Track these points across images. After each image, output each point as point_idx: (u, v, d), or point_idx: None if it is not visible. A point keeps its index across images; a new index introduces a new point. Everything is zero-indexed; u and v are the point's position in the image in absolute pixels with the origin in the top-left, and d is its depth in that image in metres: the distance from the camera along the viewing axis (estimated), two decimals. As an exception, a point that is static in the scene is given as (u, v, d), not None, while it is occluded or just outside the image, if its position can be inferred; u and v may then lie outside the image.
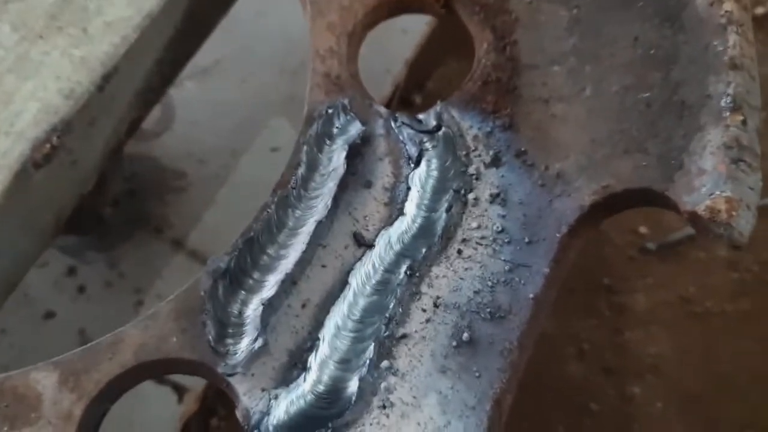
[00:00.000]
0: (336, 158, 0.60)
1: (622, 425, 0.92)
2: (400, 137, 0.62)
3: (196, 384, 0.79)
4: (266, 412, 0.53)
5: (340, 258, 0.58)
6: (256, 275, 0.56)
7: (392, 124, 0.62)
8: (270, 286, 0.56)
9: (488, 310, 0.56)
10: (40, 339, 0.79)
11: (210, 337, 0.54)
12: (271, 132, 0.89)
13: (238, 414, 0.54)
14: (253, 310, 0.55)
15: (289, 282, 0.56)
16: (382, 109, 0.63)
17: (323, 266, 0.58)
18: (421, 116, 0.63)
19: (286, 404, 0.53)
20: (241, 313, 0.55)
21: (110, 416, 0.78)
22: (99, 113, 0.67)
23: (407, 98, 1.01)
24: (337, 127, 0.61)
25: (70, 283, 0.84)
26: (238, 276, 0.56)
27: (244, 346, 0.54)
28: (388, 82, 0.93)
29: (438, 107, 0.63)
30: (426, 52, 0.99)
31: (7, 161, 0.62)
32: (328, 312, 0.56)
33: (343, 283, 0.57)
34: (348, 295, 0.57)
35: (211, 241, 0.84)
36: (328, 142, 0.60)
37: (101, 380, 0.53)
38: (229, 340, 0.54)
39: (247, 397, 0.53)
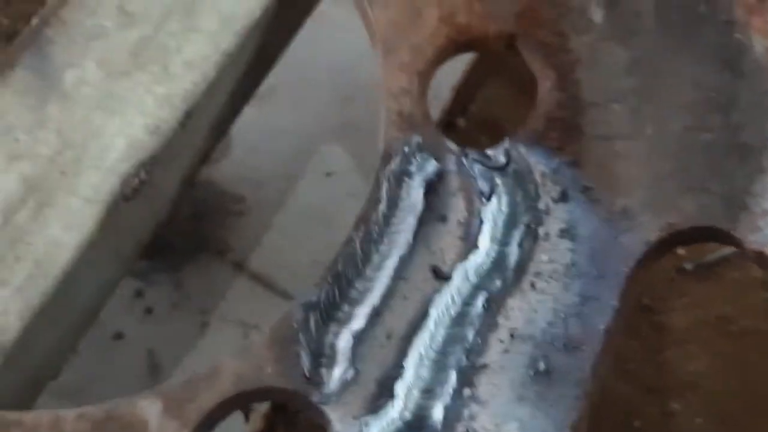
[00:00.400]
0: (415, 195, 0.63)
1: (663, 440, 0.95)
2: (472, 173, 0.65)
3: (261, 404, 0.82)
4: (358, 438, 0.57)
5: (420, 290, 0.62)
6: (345, 308, 0.59)
7: (464, 160, 0.66)
8: (359, 318, 0.59)
9: (562, 341, 0.59)
10: (110, 359, 0.82)
11: (305, 368, 0.57)
12: (325, 157, 0.92)
13: (328, 441, 0.57)
14: (344, 341, 0.58)
15: (375, 314, 0.60)
16: (453, 146, 0.66)
17: (405, 298, 0.61)
18: (490, 152, 0.67)
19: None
20: (333, 345, 0.58)
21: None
22: (180, 148, 0.71)
23: (451, 121, 1.05)
24: (414, 166, 0.64)
25: (138, 304, 0.87)
26: (328, 309, 0.59)
27: (336, 376, 0.57)
28: (436, 107, 0.96)
29: (506, 144, 0.66)
30: (470, 76, 1.03)
31: (100, 196, 0.66)
32: (411, 342, 0.60)
33: (424, 315, 0.61)
34: (429, 325, 0.60)
35: (271, 263, 0.88)
36: (406, 179, 0.64)
37: (203, 408, 0.56)
38: (323, 370, 0.57)
39: (340, 425, 0.57)
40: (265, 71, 0.81)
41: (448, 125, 1.06)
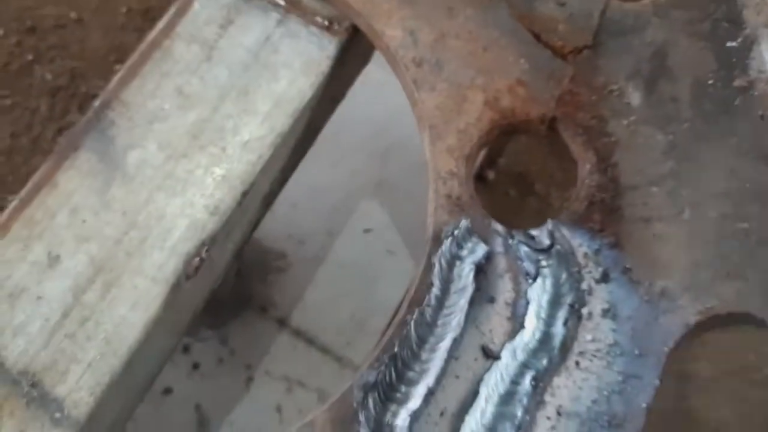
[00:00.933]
0: (465, 277, 0.67)
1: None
2: (518, 254, 0.69)
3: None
4: None
5: (471, 369, 0.65)
6: (402, 389, 0.63)
7: (510, 242, 0.69)
8: (415, 398, 0.63)
9: (606, 418, 0.63)
10: (159, 414, 0.85)
11: None
12: (362, 214, 0.96)
13: None
14: (402, 420, 0.62)
15: (429, 393, 0.63)
16: (500, 227, 0.70)
17: (456, 377, 0.65)
18: (534, 233, 0.70)
19: None
20: (391, 425, 0.62)
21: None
22: (236, 224, 0.74)
23: (482, 175, 1.08)
24: (465, 250, 0.67)
25: (186, 360, 0.91)
26: (386, 390, 0.63)
27: None
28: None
29: (549, 225, 0.70)
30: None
31: (164, 275, 0.69)
32: (462, 420, 0.63)
33: (475, 393, 0.64)
34: (480, 403, 0.64)
35: (313, 319, 0.91)
36: (458, 263, 0.67)
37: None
38: None
39: (399, 502, 0.60)
40: (311, 142, 0.84)
41: (478, 178, 1.09)
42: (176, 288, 0.69)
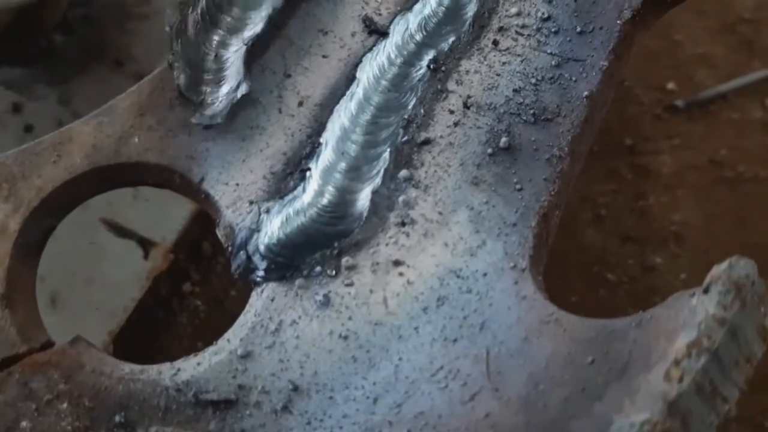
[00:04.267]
0: None
1: (641, 297, 0.83)
2: None
3: (163, 238, 0.68)
4: (256, 229, 0.42)
5: (346, 47, 0.46)
6: (234, 12, 0.44)
7: None
8: (253, 24, 0.44)
9: (531, 111, 0.45)
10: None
11: (180, 83, 0.43)
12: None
13: (220, 233, 0.43)
14: (233, 52, 0.44)
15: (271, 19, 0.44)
16: None
17: (324, 56, 0.46)
18: None
19: (281, 219, 0.42)
20: (218, 56, 0.44)
21: (67, 271, 0.67)
22: None
23: None
24: None
25: (16, 121, 0.71)
26: (211, 11, 0.44)
27: (223, 93, 0.44)
28: None
29: None
30: None
31: None
32: (331, 112, 0.45)
33: (351, 78, 0.46)
34: (357, 92, 0.45)
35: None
36: None
37: (44, 188, 0.42)
38: (205, 88, 0.44)
39: (231, 211, 0.42)
40: None
41: None
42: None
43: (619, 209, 0.85)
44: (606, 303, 0.82)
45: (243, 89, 0.44)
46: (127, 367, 0.39)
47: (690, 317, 0.35)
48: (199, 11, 0.45)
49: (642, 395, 0.33)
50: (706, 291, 0.36)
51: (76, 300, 0.67)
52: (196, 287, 0.76)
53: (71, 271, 0.67)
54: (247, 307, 0.41)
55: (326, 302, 0.40)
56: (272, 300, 0.40)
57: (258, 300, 0.41)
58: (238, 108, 0.44)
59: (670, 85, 0.90)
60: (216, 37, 0.45)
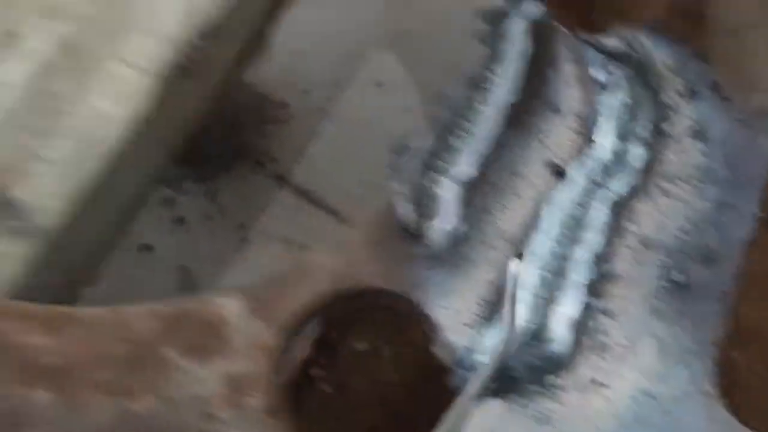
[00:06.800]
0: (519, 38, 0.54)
1: None
2: (588, 62, 0.57)
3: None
4: (471, 348, 0.49)
5: (534, 187, 0.54)
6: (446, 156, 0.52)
7: (579, 46, 0.58)
8: (463, 164, 0.52)
9: (698, 251, 0.52)
10: (138, 274, 0.72)
11: (404, 219, 0.50)
12: (376, 66, 0.83)
13: (437, 350, 0.49)
14: (451, 192, 0.51)
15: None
16: (567, 30, 0.58)
17: (516, 195, 0.53)
18: (608, 41, 0.58)
19: (494, 341, 0.49)
20: (439, 196, 0.51)
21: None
22: (237, 21, 0.61)
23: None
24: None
25: (168, 214, 0.77)
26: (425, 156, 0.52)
27: (441, 228, 0.50)
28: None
29: (624, 31, 0.58)
30: None
31: (152, 64, 0.56)
32: (525, 243, 0.52)
33: (538, 215, 0.53)
34: (549, 227, 0.52)
35: (317, 177, 0.78)
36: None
37: (295, 308, 0.48)
38: (427, 223, 0.50)
39: (449, 332, 0.49)
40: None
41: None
42: (168, 82, 0.56)
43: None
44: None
45: (458, 225, 0.50)
46: None
47: None
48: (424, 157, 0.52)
49: None
50: None
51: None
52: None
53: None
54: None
55: (545, 419, 0.46)
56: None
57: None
58: (452, 241, 0.51)
59: None
60: (437, 179, 0.52)
